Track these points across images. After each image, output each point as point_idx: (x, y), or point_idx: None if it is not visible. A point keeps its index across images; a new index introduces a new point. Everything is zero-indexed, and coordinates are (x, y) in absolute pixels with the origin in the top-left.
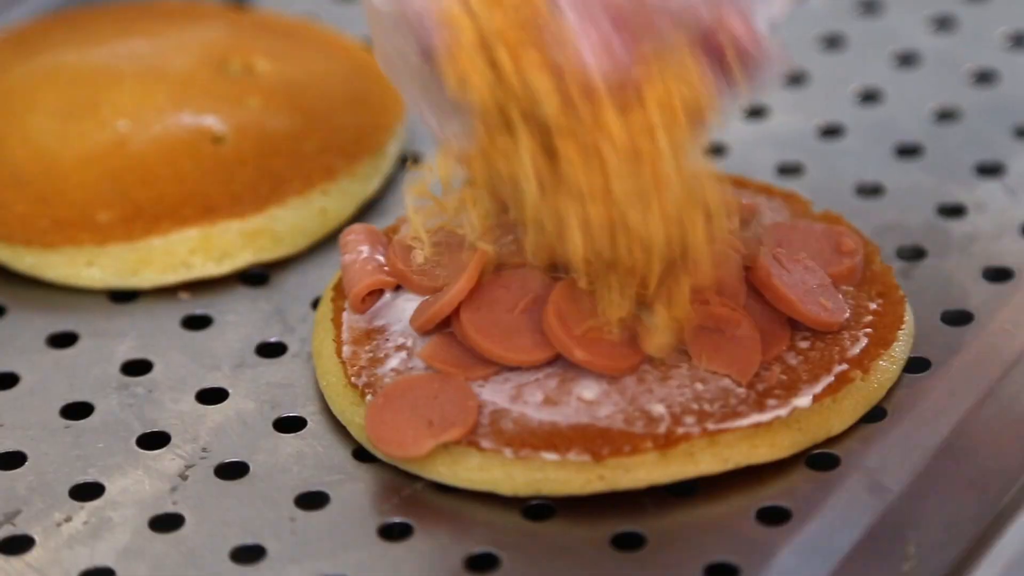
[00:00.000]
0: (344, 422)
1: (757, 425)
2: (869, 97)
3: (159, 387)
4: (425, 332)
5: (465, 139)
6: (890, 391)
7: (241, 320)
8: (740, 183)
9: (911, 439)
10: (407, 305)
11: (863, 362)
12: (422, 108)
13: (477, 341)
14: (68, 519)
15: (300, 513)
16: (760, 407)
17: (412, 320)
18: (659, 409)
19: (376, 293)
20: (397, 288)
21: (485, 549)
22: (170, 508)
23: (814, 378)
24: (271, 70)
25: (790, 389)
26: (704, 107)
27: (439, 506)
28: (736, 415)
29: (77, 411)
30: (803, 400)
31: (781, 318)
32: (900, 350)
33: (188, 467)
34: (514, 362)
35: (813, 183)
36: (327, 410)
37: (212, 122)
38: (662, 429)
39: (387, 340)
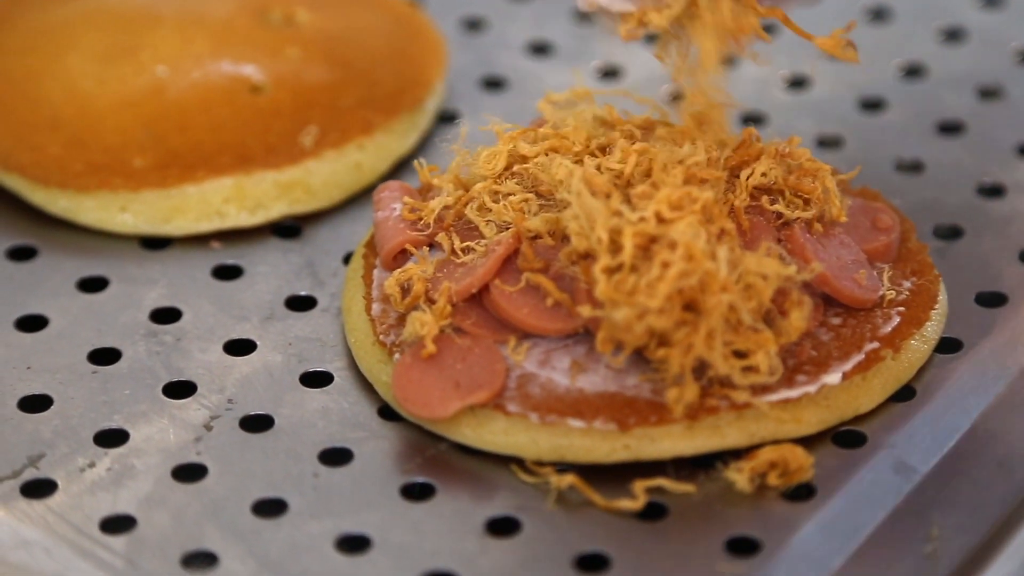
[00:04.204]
0: (371, 380)
1: (785, 401)
2: (913, 72)
3: (187, 336)
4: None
5: None
6: (920, 371)
7: (272, 272)
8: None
9: (939, 420)
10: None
11: (894, 341)
12: None
13: (508, 312)
14: (91, 465)
15: (323, 469)
16: (789, 383)
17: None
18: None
19: (408, 252)
20: (430, 247)
21: (507, 512)
22: (194, 458)
23: (844, 355)
24: (312, 21)
25: (820, 366)
26: None
27: (462, 468)
28: (765, 390)
29: (105, 357)
30: (833, 377)
31: (814, 293)
32: (932, 330)
33: (213, 418)
34: (545, 331)
35: (852, 156)
36: (354, 366)
37: (251, 71)
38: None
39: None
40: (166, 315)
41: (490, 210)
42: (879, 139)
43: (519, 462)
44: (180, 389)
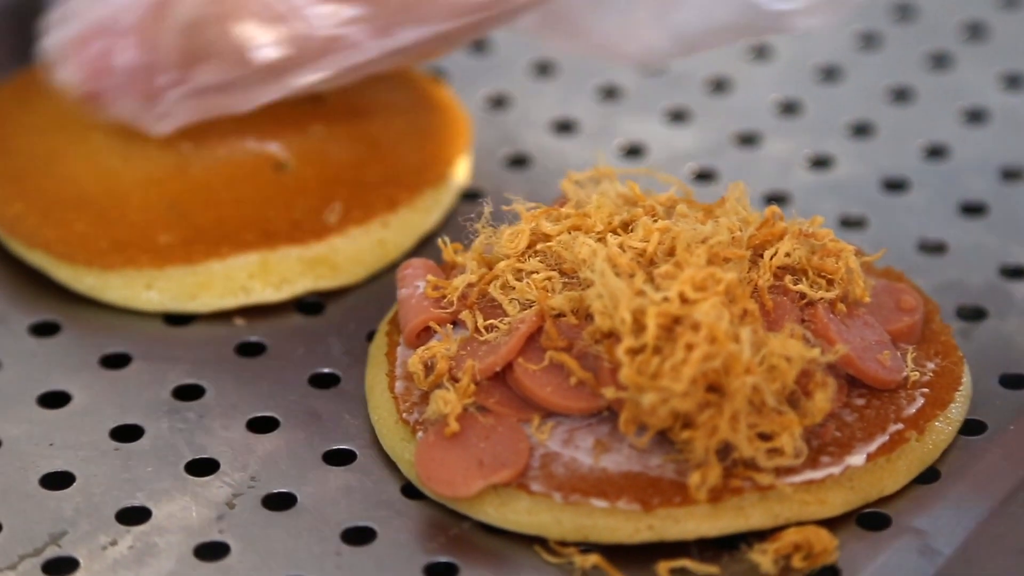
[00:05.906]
0: (394, 458)
1: (809, 482)
2: (935, 152)
3: (210, 413)
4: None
5: None
6: (945, 453)
7: (295, 349)
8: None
9: (964, 503)
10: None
11: (919, 422)
12: None
13: (532, 390)
14: (114, 543)
15: (346, 548)
16: (813, 464)
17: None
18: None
19: (431, 329)
20: (453, 325)
21: None
22: (216, 536)
23: (869, 436)
24: (336, 97)
25: (844, 447)
26: None
27: (486, 547)
28: (789, 471)
29: (127, 433)
30: (857, 459)
31: (838, 374)
32: (956, 412)
33: (236, 496)
34: (569, 410)
35: (875, 237)
36: (377, 444)
37: (275, 148)
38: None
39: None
40: (189, 392)
41: (513, 288)
42: (902, 220)
43: (542, 542)
44: (203, 467)
